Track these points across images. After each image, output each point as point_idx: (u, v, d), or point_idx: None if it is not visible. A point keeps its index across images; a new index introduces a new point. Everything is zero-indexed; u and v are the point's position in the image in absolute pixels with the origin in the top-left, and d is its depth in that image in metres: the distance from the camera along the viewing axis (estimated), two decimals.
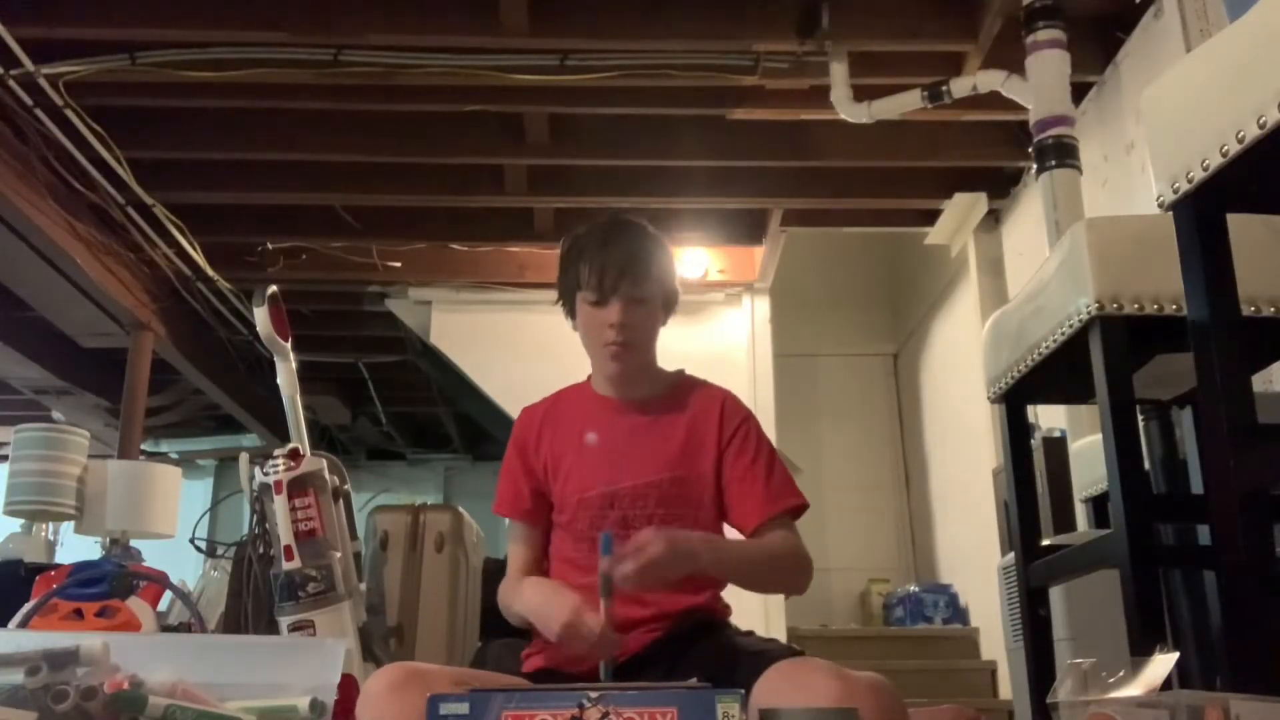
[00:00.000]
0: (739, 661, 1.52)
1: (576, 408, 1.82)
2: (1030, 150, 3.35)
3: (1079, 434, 2.97)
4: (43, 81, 3.64)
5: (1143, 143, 3.13)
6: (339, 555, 2.20)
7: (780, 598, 4.73)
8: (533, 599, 1.65)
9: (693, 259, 5.33)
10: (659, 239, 1.80)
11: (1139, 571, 1.47)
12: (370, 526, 2.91)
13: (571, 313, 1.79)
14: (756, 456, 1.76)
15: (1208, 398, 1.21)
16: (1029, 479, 1.93)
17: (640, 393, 1.79)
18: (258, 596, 2.32)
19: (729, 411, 1.79)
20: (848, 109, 3.60)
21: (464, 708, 0.99)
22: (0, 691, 1.30)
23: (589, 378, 1.87)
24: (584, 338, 1.78)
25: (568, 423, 1.80)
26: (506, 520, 1.82)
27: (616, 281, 1.70)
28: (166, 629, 2.82)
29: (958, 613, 5.18)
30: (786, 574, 1.75)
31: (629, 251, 1.73)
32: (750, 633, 1.69)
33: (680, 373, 1.88)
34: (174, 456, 7.43)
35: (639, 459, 1.72)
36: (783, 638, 4.24)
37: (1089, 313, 1.56)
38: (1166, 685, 1.02)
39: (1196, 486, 1.76)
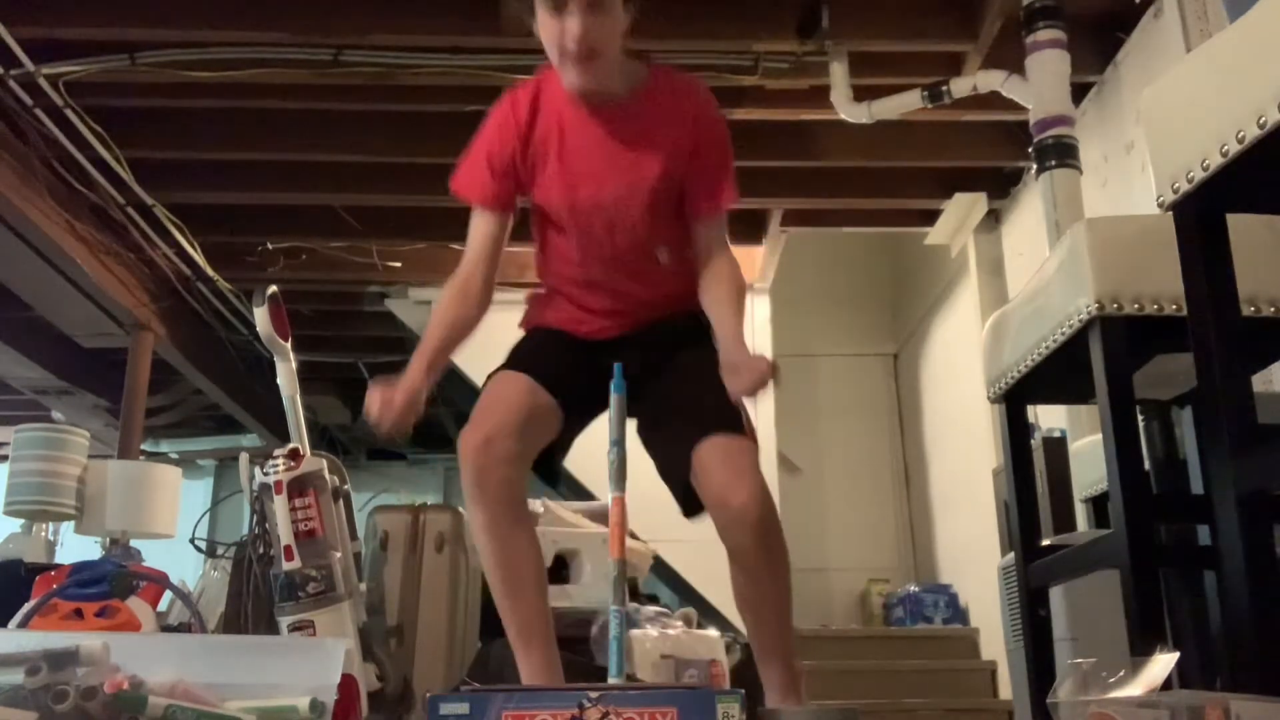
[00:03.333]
0: (692, 407, 1.73)
1: (558, 107, 1.81)
2: (1030, 150, 3.35)
3: (1079, 434, 2.97)
4: (43, 81, 3.64)
5: (1143, 143, 3.13)
6: (339, 555, 2.20)
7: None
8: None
9: None
10: None
11: (1139, 571, 1.47)
12: (370, 526, 2.90)
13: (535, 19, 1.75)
14: (723, 157, 1.91)
15: (1208, 398, 1.21)
16: (1029, 479, 1.93)
17: (612, 92, 1.79)
18: (258, 596, 2.32)
19: (704, 119, 1.87)
20: (848, 109, 3.60)
21: (464, 708, 0.99)
22: (0, 691, 1.30)
23: None
24: (546, 48, 1.75)
25: (550, 121, 1.80)
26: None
27: None
28: (166, 629, 2.81)
29: (958, 613, 5.18)
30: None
31: None
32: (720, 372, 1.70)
33: (650, 65, 1.87)
34: (174, 456, 7.42)
35: (621, 167, 1.78)
36: None
37: (1089, 313, 1.56)
38: (1166, 685, 1.02)
39: (1196, 486, 1.76)
